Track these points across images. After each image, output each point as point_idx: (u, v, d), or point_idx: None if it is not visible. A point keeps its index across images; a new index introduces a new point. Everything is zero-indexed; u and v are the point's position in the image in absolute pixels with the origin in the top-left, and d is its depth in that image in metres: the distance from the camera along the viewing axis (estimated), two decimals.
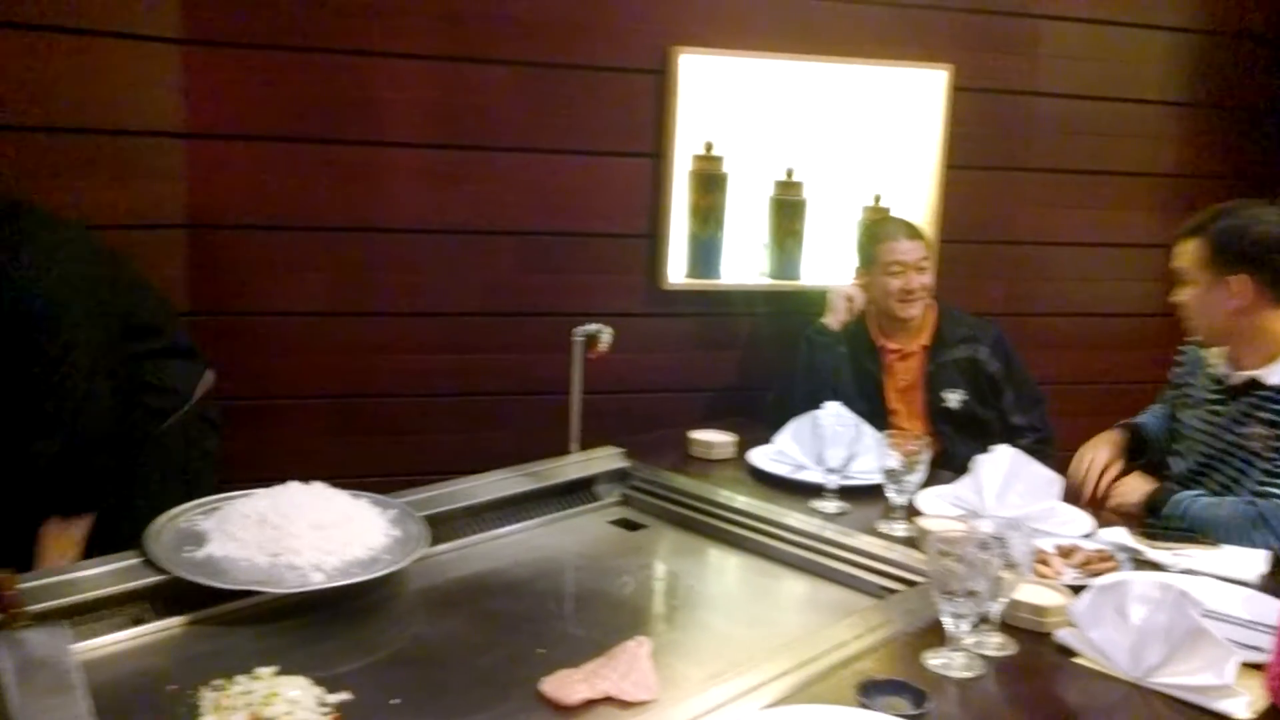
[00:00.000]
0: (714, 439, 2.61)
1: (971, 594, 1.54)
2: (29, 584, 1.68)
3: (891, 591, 1.96)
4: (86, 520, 2.18)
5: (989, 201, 3.54)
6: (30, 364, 2.11)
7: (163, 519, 1.95)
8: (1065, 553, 1.97)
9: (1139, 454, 2.63)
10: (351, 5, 2.86)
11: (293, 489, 1.97)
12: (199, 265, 2.86)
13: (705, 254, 3.26)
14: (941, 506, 2.25)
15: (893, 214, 3.28)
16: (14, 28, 2.50)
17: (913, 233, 3.01)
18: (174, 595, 1.78)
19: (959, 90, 3.34)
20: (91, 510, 2.19)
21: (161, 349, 2.42)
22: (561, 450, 2.61)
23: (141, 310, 2.39)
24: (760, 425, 2.75)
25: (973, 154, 3.44)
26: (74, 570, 1.77)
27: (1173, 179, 3.72)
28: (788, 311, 3.33)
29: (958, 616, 1.57)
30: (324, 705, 1.50)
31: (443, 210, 3.04)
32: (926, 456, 2.13)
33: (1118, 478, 2.51)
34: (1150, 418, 2.69)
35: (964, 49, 3.38)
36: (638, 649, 1.65)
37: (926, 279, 2.96)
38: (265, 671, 1.55)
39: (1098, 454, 2.56)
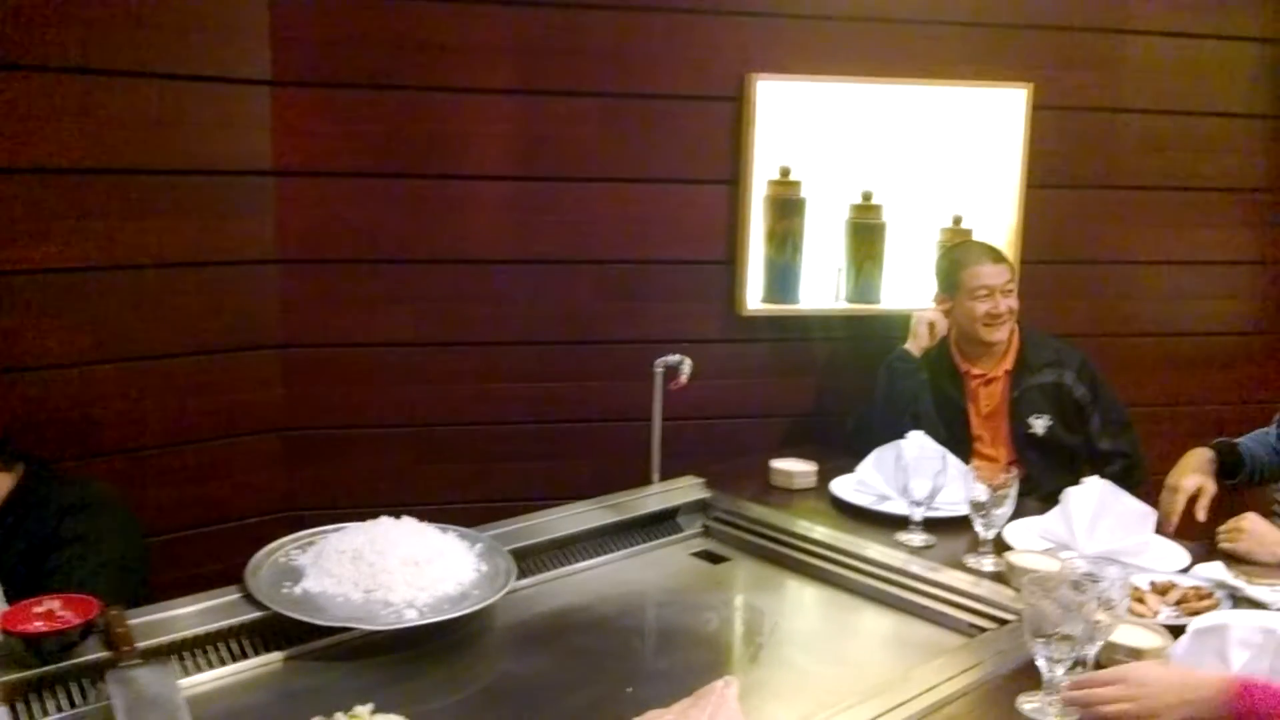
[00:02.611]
0: (795, 468, 2.60)
1: (1066, 638, 1.52)
2: (135, 620, 1.75)
3: (980, 629, 1.94)
4: None
5: (1072, 221, 3.47)
6: None
7: (261, 554, 2.01)
8: (1161, 590, 1.93)
9: (1233, 473, 2.50)
10: (432, 43, 2.91)
11: (385, 524, 2.02)
12: (290, 299, 2.94)
13: (783, 279, 3.25)
14: (1030, 540, 2.22)
15: (974, 237, 3.24)
16: (111, 75, 2.60)
17: (997, 256, 2.98)
18: (273, 631, 1.84)
19: (1039, 109, 3.29)
20: None
21: None
22: (642, 477, 2.62)
23: None
24: (838, 452, 2.74)
25: (1054, 173, 3.38)
26: (177, 607, 1.83)
27: (1262, 193, 3.61)
28: (867, 336, 3.31)
29: (1052, 660, 1.55)
30: None
31: (524, 241, 3.08)
32: (1014, 489, 2.11)
33: (1216, 507, 2.41)
34: (1251, 440, 2.57)
35: (1043, 66, 3.33)
36: (725, 689, 1.65)
37: (1013, 302, 2.93)
38: (363, 710, 1.59)
39: (1183, 481, 2.40)
